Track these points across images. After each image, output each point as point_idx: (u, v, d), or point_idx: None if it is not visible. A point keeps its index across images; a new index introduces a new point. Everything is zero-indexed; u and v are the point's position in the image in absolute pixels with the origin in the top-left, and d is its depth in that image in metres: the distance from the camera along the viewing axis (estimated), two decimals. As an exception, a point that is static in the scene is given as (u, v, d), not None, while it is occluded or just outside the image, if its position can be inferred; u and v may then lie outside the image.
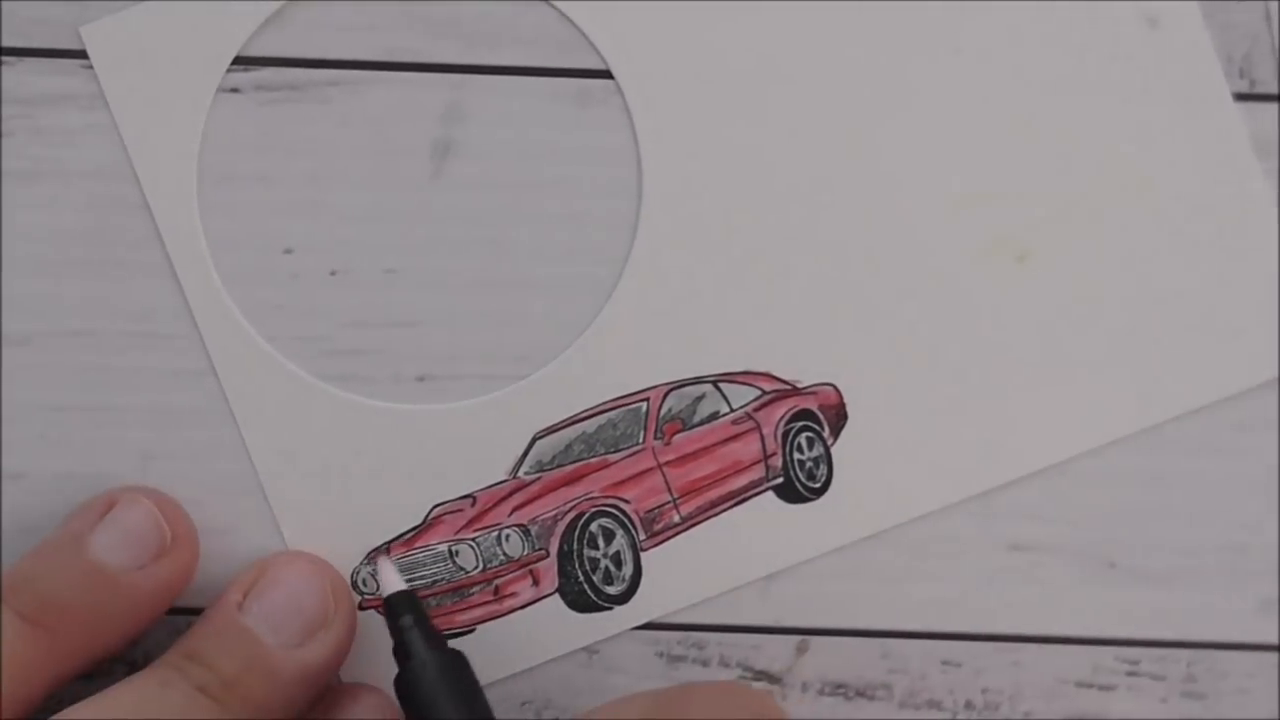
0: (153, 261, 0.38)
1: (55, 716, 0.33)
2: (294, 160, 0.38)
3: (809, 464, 0.38)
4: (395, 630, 0.35)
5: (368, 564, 0.38)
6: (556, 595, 0.38)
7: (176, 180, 0.38)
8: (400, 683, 0.34)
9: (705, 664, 0.38)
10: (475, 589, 0.38)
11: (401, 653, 0.35)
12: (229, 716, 0.34)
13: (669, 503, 0.38)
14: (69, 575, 0.35)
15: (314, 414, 0.38)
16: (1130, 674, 0.39)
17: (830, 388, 0.38)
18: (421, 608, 0.35)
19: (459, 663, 0.35)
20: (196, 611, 0.36)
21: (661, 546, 0.38)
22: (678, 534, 0.38)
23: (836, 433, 0.38)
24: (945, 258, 0.38)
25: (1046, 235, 0.38)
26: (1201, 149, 0.38)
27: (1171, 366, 0.38)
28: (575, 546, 0.38)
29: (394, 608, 0.35)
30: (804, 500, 0.38)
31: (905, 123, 0.38)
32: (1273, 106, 0.38)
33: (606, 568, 0.38)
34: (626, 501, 0.38)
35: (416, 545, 0.38)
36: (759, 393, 0.38)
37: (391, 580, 0.36)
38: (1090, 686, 0.39)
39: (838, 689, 0.39)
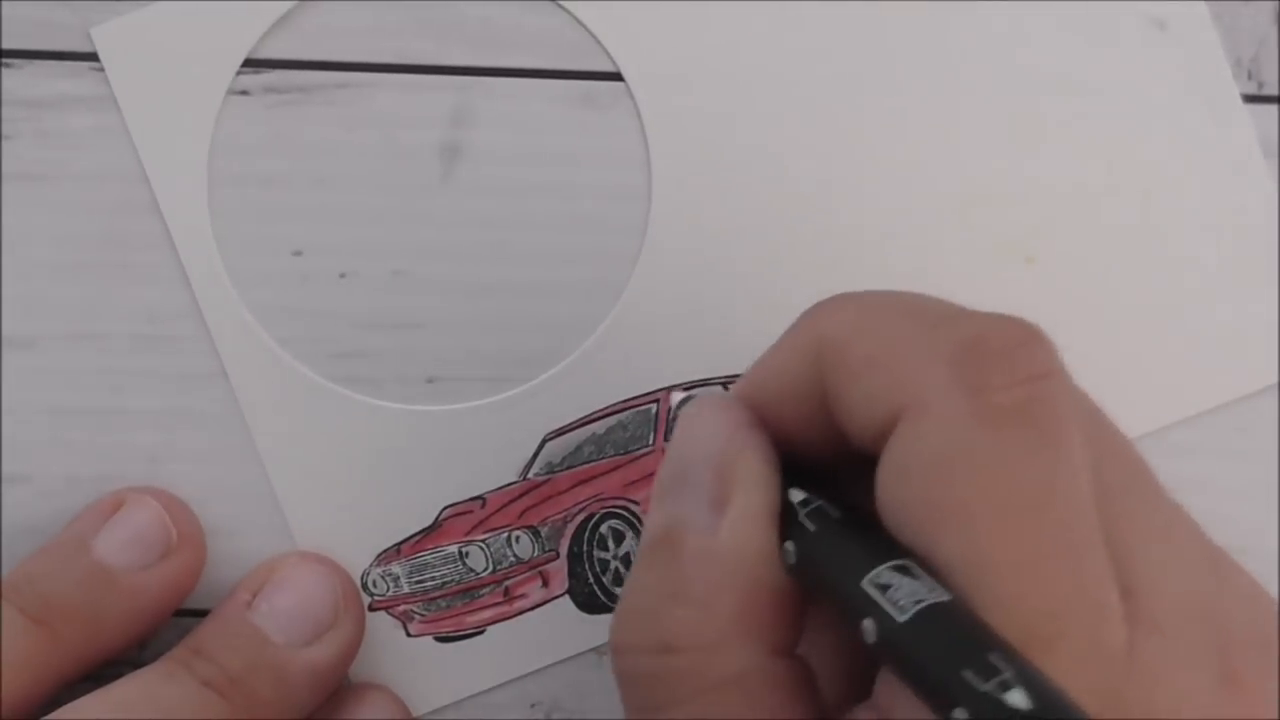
0: (162, 263, 0.38)
1: (60, 709, 0.33)
2: (303, 162, 0.38)
3: (818, 465, 0.38)
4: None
5: (379, 565, 0.38)
6: (566, 596, 0.38)
7: (186, 182, 0.38)
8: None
9: (715, 665, 0.38)
10: (485, 590, 0.38)
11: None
12: (234, 712, 0.34)
13: (679, 504, 0.38)
14: (73, 574, 0.35)
15: (324, 416, 0.38)
16: (1138, 674, 0.39)
17: (839, 389, 0.38)
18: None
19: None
20: (204, 613, 0.36)
21: (671, 548, 0.38)
22: (687, 535, 0.38)
23: (845, 434, 0.38)
24: (953, 260, 0.38)
25: (1054, 238, 0.38)
26: (1209, 151, 0.38)
27: (1174, 371, 0.39)
28: (585, 548, 0.38)
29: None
30: (813, 502, 0.38)
31: (914, 125, 0.38)
32: (1279, 108, 0.39)
33: (616, 569, 0.38)
34: (636, 503, 0.38)
35: (426, 547, 0.38)
36: (769, 394, 0.38)
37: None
38: (1098, 687, 0.39)
39: (846, 690, 0.39)
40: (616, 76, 0.38)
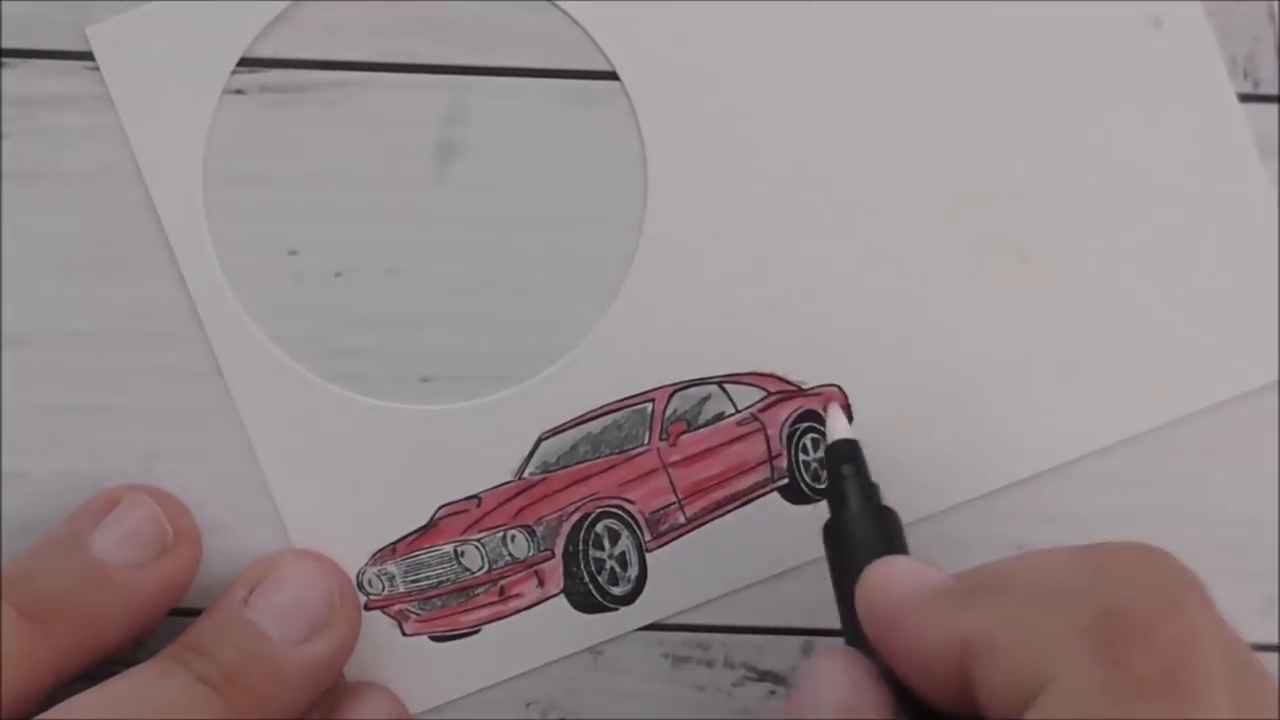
0: (157, 262, 0.38)
1: (55, 707, 0.33)
2: (298, 161, 0.38)
3: (814, 465, 0.38)
4: (833, 477, 0.35)
5: (374, 565, 0.38)
6: (562, 596, 0.38)
7: (182, 181, 0.38)
8: (830, 529, 0.34)
9: (710, 665, 0.38)
10: (481, 589, 0.38)
11: (836, 499, 0.34)
12: (229, 707, 0.34)
13: (674, 503, 0.38)
14: (68, 572, 0.35)
15: (319, 415, 0.38)
16: (1134, 674, 0.39)
17: (835, 389, 0.38)
18: (862, 460, 0.35)
19: (890, 518, 0.34)
20: (200, 612, 0.36)
21: (667, 547, 0.38)
22: (683, 534, 0.38)
23: (841, 433, 0.38)
24: (949, 259, 0.38)
25: (1049, 237, 0.38)
26: (1205, 150, 0.38)
27: (1174, 368, 0.38)
28: (580, 547, 0.38)
29: (835, 455, 0.35)
30: (809, 501, 0.38)
31: (910, 124, 0.38)
32: (1276, 107, 0.38)
33: (612, 568, 0.38)
34: (632, 502, 0.38)
35: (422, 546, 0.38)
36: (764, 394, 0.38)
37: (838, 427, 0.36)
38: (1094, 687, 0.39)
39: (842, 689, 0.39)
40: (612, 75, 0.38)
